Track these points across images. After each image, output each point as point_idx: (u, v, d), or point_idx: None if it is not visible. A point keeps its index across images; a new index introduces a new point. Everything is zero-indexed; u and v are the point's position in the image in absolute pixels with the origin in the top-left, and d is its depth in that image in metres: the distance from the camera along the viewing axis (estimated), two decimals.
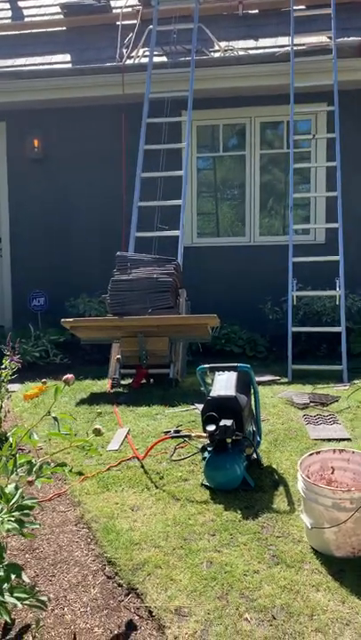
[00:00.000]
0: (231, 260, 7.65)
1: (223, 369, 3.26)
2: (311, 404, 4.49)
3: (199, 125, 7.76)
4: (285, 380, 5.39)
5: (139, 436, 3.99)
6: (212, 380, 3.28)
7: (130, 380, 5.40)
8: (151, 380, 5.46)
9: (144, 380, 5.41)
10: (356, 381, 5.19)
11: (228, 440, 3.06)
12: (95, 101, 7.55)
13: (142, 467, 3.47)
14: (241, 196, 7.78)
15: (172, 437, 3.49)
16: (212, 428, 3.02)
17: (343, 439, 3.76)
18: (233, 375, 3.22)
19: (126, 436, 3.97)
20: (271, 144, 7.76)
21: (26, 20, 8.90)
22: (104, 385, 5.41)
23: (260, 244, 7.71)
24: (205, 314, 5.11)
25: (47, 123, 7.79)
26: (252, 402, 3.41)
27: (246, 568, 2.46)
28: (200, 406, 3.52)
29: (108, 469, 3.47)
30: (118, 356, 5.32)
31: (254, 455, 3.33)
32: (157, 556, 2.56)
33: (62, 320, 5.29)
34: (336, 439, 3.74)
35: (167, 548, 2.63)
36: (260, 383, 5.21)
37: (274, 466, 3.40)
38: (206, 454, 3.15)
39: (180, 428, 4.04)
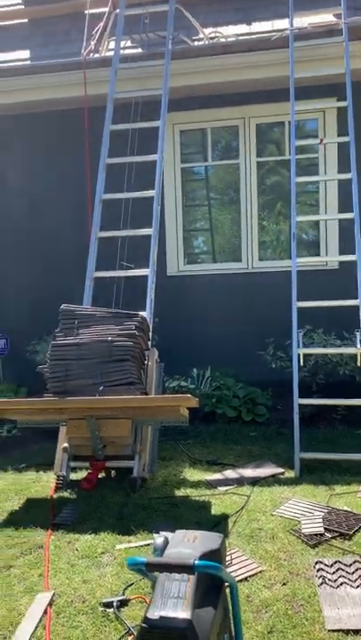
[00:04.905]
0: (224, 291, 6.29)
1: (170, 567, 1.90)
2: (327, 533, 3.11)
3: (183, 130, 6.42)
4: (291, 473, 3.99)
5: (65, 611, 2.64)
6: (154, 585, 1.92)
7: (85, 473, 4.07)
8: (112, 472, 4.12)
9: (103, 474, 4.07)
10: None
11: None
12: (57, 105, 6.24)
13: None
14: (236, 214, 6.42)
15: None
16: None
17: None
18: (189, 581, 1.86)
19: (45, 614, 2.63)
20: (270, 150, 6.38)
21: None
22: (50, 481, 4.08)
23: (260, 270, 6.34)
24: (182, 394, 3.82)
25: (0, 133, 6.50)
26: (228, 599, 2.05)
27: None
28: (162, 537, 2.15)
29: None
30: (65, 445, 3.97)
31: None
32: None
33: None
34: None
35: None
36: (256, 481, 3.86)
37: None
38: None
39: (126, 597, 2.69)
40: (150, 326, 4.31)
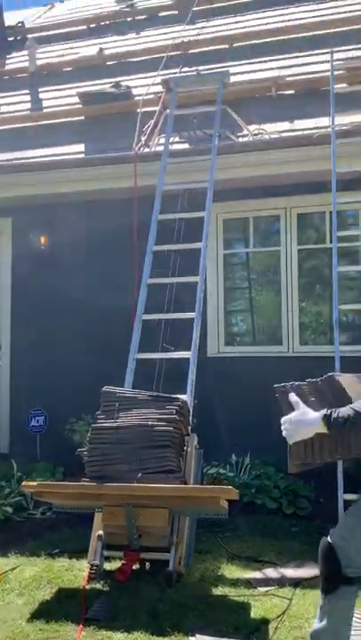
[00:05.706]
0: (265, 374, 6.16)
1: None
2: None
3: (227, 219, 6.67)
4: None
5: None
6: None
7: (118, 563, 3.93)
8: (147, 563, 3.97)
9: (137, 566, 3.92)
10: None
11: None
12: (111, 195, 6.59)
13: None
14: (276, 298, 6.50)
15: None
16: None
17: None
18: None
19: None
20: (311, 236, 6.54)
21: (45, 110, 8.36)
22: (83, 569, 3.95)
23: (301, 354, 6.30)
24: (221, 483, 3.71)
25: (56, 220, 6.87)
26: None
27: None
28: None
29: None
30: (100, 532, 3.88)
31: None
32: None
33: (23, 484, 3.96)
34: None
35: None
36: (298, 582, 3.65)
37: None
38: None
39: None
40: (190, 410, 4.29)
